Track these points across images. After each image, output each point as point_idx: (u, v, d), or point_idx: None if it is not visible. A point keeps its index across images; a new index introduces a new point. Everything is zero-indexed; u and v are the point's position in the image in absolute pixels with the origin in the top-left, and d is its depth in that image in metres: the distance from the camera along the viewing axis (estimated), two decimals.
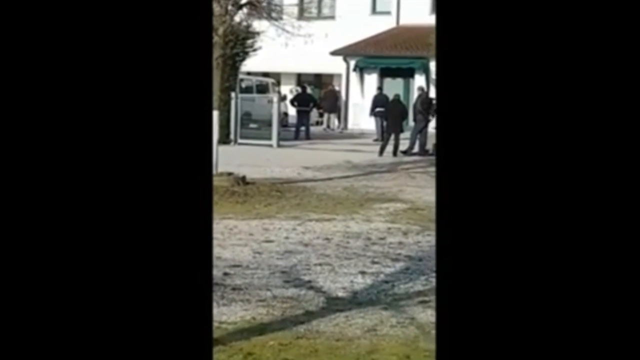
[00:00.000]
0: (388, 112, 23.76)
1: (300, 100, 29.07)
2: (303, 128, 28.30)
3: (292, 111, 32.67)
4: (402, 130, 22.77)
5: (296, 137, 27.58)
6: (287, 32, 23.84)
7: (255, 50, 26.34)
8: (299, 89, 31.41)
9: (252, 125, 25.50)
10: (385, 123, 24.06)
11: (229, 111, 24.28)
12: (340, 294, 7.48)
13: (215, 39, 16.85)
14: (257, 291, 7.47)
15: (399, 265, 8.65)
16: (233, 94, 24.91)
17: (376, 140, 25.86)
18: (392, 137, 22.17)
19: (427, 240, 9.85)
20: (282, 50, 30.25)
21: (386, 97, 26.19)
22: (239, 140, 24.66)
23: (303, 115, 28.56)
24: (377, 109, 26.90)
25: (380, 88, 29.88)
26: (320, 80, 38.45)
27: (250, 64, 27.99)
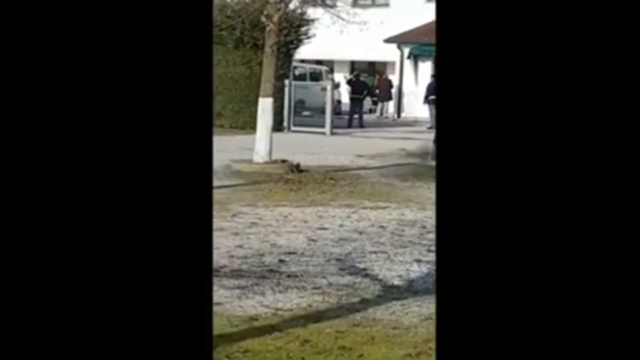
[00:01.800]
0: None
1: (353, 88, 29.14)
2: (356, 116, 28.41)
3: (345, 99, 32.49)
4: None
5: (349, 125, 27.70)
6: (342, 19, 23.85)
7: (309, 37, 26.24)
8: (352, 77, 31.56)
9: (305, 113, 25.61)
10: None
11: (282, 99, 24.14)
12: (397, 282, 7.45)
13: (270, 26, 16.80)
14: (313, 278, 7.46)
15: None
16: (286, 82, 24.86)
17: (430, 128, 25.71)
18: None
19: None
20: (335, 37, 29.89)
21: None
22: (292, 128, 24.67)
23: (356, 103, 28.66)
24: (431, 97, 26.84)
25: (434, 75, 29.74)
26: (374, 68, 38.53)
27: (304, 52, 27.93)
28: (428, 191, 12.93)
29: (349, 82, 30.11)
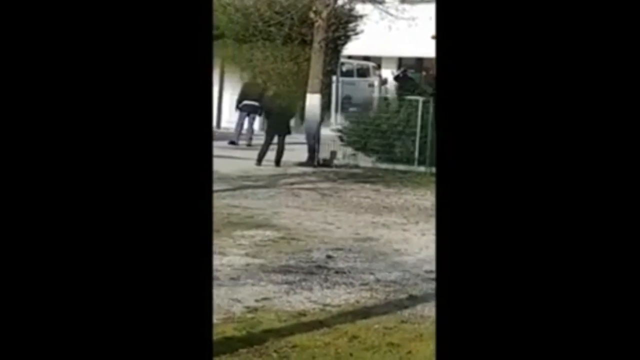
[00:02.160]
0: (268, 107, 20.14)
1: (401, 84, 28.54)
2: None
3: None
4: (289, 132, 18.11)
5: None
6: (391, 15, 23.65)
7: (357, 33, 26.06)
8: (400, 73, 31.07)
9: (352, 109, 24.94)
10: None
11: (329, 94, 24.11)
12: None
13: (319, 22, 16.81)
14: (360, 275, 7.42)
15: None
16: (334, 77, 24.64)
17: None
18: None
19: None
20: (383, 33, 28.97)
21: None
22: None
23: None
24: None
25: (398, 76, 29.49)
26: (422, 64, 37.20)
27: (351, 48, 27.28)
28: (234, 229, 10.45)
29: (396, 78, 29.76)
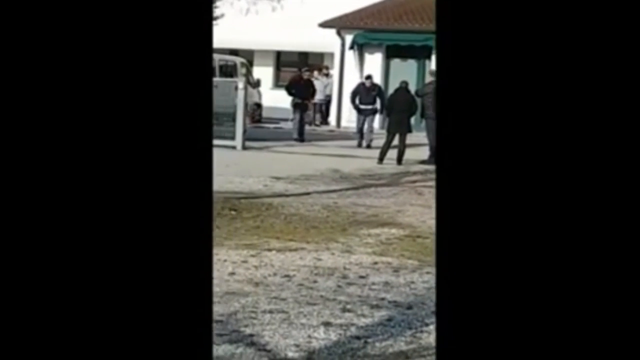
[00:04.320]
0: (391, 105, 18.18)
1: (297, 90, 22.70)
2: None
3: (268, 101, 26.62)
4: (410, 130, 17.60)
5: (300, 137, 22.03)
6: None
7: (214, 18, 21.25)
8: (297, 76, 23.97)
9: None
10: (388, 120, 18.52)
11: None
12: (291, 353, 5.41)
13: None
14: None
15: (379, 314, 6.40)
16: None
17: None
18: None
19: (424, 280, 7.34)
20: (256, 21, 24.51)
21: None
22: None
23: (299, 109, 22.45)
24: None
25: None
26: (307, 60, 30.29)
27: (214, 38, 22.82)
28: (360, 227, 9.99)
29: (290, 84, 23.18)
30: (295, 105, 22.40)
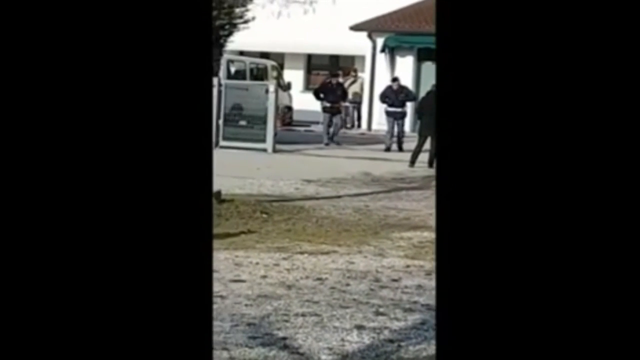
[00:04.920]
0: (423, 108, 17.92)
1: (327, 94, 22.35)
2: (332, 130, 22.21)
3: (299, 104, 26.64)
4: None
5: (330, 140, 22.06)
6: None
7: (246, 21, 20.21)
8: (328, 79, 23.76)
9: (242, 123, 19.77)
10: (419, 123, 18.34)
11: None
12: (325, 357, 5.43)
13: None
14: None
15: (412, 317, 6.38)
16: (216, 81, 19.00)
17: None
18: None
19: None
20: (288, 25, 24.12)
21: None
22: (222, 143, 19.10)
23: (331, 113, 22.16)
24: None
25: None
26: (338, 63, 30.37)
27: (243, 41, 21.61)
28: (392, 231, 9.98)
29: (320, 88, 23.03)
30: (324, 109, 22.26)
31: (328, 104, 22.07)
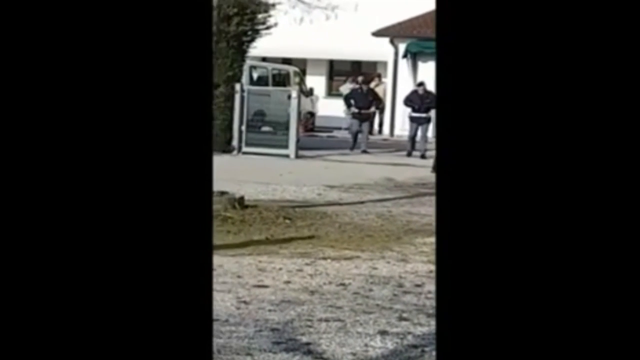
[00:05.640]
0: None
1: (357, 101, 22.19)
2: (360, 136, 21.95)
3: (323, 110, 26.78)
4: None
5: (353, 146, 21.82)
6: (303, 2, 18.92)
7: (268, 27, 20.03)
8: (358, 86, 23.71)
9: (264, 129, 19.81)
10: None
11: (232, 109, 18.93)
12: None
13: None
14: (234, 356, 5.45)
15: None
16: (238, 87, 19.31)
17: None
18: None
19: None
20: (310, 31, 23.41)
21: None
22: (245, 149, 19.25)
23: (360, 119, 22.08)
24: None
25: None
26: (360, 69, 30.29)
27: (265, 47, 21.25)
28: (415, 236, 9.98)
29: (349, 95, 22.85)
30: (353, 115, 22.15)
31: (357, 110, 21.98)
